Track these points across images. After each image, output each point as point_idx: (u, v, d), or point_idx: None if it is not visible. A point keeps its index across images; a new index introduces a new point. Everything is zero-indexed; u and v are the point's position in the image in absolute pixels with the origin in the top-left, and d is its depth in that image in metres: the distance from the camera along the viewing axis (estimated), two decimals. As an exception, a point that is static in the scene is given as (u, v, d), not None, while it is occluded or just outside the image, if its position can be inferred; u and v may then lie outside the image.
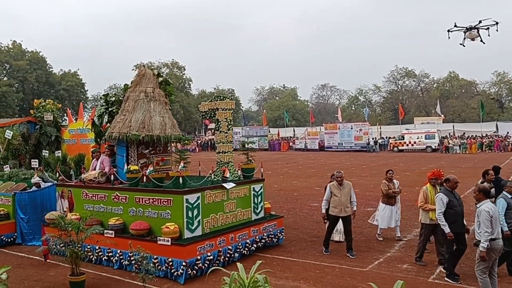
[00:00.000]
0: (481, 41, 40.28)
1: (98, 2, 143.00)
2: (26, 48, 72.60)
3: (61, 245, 8.11)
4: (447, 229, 7.95)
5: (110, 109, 11.42)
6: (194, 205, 8.73)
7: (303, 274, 8.66)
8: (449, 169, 28.72)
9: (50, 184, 10.99)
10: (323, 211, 9.94)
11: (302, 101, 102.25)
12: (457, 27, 40.53)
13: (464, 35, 40.69)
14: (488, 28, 39.63)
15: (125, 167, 9.74)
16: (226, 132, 10.69)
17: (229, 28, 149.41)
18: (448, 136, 53.31)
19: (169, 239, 8.32)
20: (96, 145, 11.56)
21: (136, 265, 7.57)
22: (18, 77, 68.59)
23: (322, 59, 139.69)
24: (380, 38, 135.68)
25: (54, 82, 73.98)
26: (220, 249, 8.88)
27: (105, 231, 9.20)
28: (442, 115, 65.63)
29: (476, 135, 54.27)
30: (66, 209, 10.40)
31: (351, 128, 54.08)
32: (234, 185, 9.68)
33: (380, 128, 63.50)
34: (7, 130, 12.28)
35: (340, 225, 10.23)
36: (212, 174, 9.70)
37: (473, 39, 40.49)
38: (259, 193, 10.50)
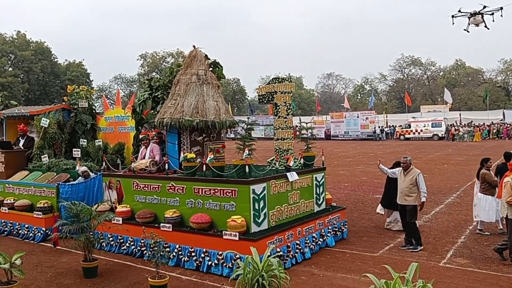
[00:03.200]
0: (486, 26, 39.97)
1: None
2: (31, 39, 71.38)
3: (77, 229, 7.85)
4: None
5: (154, 94, 10.72)
6: (260, 196, 8.05)
7: (314, 259, 8.63)
8: (456, 157, 28.58)
9: (95, 174, 10.27)
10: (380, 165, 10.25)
11: (308, 90, 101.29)
12: (461, 12, 40.11)
13: (468, 20, 40.33)
14: (492, 14, 39.21)
15: (179, 155, 9.06)
16: (286, 117, 9.96)
17: (235, 18, 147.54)
18: (454, 124, 52.87)
19: (237, 233, 7.67)
20: (146, 132, 10.83)
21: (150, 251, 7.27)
22: (23, 68, 67.29)
23: (328, 49, 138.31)
24: (386, 27, 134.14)
25: (59, 72, 72.76)
26: (289, 244, 8.22)
27: (162, 224, 8.54)
28: (449, 103, 64.82)
29: (484, 123, 53.89)
30: (115, 200, 9.72)
31: (357, 117, 53.93)
32: (297, 177, 8.98)
33: (387, 117, 62.96)
34: (43, 118, 11.47)
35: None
36: (277, 163, 8.99)
37: (477, 25, 40.23)
38: (321, 183, 9.82)
